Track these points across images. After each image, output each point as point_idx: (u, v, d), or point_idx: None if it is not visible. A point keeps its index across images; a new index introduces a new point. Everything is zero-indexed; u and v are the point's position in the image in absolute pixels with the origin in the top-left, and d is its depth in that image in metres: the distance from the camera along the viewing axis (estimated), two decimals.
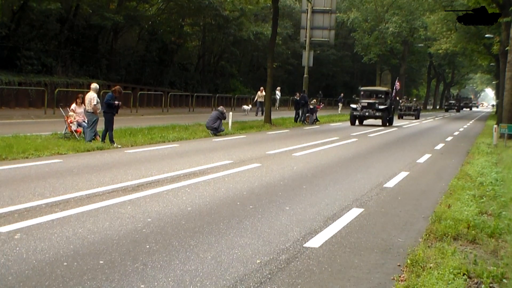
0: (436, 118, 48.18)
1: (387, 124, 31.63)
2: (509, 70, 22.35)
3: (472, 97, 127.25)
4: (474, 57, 54.11)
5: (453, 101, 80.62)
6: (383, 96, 32.10)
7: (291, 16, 53.82)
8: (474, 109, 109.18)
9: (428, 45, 57.09)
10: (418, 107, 44.77)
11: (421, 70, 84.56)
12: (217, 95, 40.70)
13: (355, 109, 31.15)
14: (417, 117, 43.24)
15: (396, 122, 36.12)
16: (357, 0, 50.91)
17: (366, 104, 30.95)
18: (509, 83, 22.41)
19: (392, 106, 32.90)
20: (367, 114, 30.90)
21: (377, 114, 30.83)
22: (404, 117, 43.30)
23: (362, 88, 34.14)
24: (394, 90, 36.51)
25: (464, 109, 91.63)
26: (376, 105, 30.85)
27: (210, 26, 44.93)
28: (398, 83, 38.50)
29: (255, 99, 35.80)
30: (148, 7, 40.10)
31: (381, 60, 53.79)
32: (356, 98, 33.04)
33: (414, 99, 49.35)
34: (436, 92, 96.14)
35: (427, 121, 41.39)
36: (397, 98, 37.08)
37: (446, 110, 77.27)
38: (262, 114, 33.20)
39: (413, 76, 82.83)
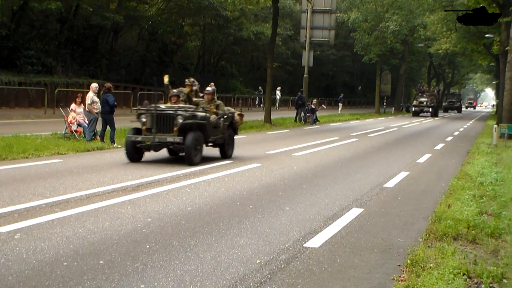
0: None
1: None
2: (509, 70, 22.35)
3: (458, 91, 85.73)
4: (474, 57, 54.05)
5: (425, 99, 50.30)
6: None
7: (291, 16, 53.78)
8: (470, 109, 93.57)
9: (428, 45, 57.02)
10: (208, 117, 12.46)
11: (421, 70, 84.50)
12: (217, 95, 40.67)
13: None
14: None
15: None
16: (357, 0, 50.91)
17: None
18: (509, 83, 22.41)
19: None
20: None
21: None
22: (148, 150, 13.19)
23: None
24: None
25: (449, 111, 67.35)
26: None
27: (210, 26, 44.90)
28: None
29: None
30: (148, 7, 40.10)
31: (381, 60, 53.73)
32: None
33: (209, 90, 13.50)
34: (440, 93, 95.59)
35: (427, 121, 41.37)
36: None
37: (416, 114, 49.88)
38: None
39: (413, 76, 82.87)
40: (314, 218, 7.42)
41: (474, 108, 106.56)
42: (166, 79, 13.65)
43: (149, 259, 5.35)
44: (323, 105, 40.77)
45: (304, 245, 6.13)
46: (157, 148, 12.09)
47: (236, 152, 14.29)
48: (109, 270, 5.00)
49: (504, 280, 5.24)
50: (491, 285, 5.13)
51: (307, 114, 30.15)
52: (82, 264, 5.13)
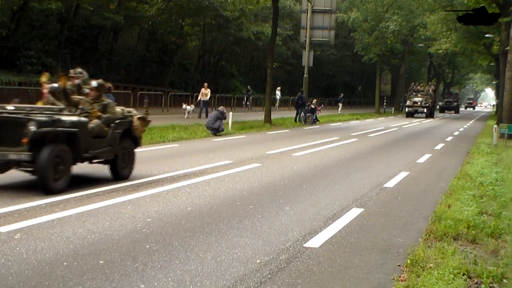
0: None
1: None
2: (509, 70, 22.35)
3: (458, 92, 78.68)
4: (474, 57, 54.05)
5: (420, 99, 46.67)
6: None
7: (291, 16, 53.78)
8: (469, 110, 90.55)
9: (428, 45, 57.00)
10: None
11: (421, 70, 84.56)
12: (217, 95, 40.69)
13: None
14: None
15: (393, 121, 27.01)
16: (357, 0, 50.93)
17: None
18: (509, 83, 22.41)
19: None
20: None
21: None
22: None
23: None
24: None
25: (446, 111, 63.05)
26: None
27: (210, 26, 44.91)
28: None
29: (199, 98, 28.99)
30: (148, 7, 40.12)
31: (381, 60, 53.71)
32: None
33: (93, 84, 9.53)
34: (436, 92, 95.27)
35: (427, 121, 41.36)
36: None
37: (410, 115, 46.07)
38: (206, 115, 26.14)
39: (413, 76, 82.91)
40: (314, 218, 7.42)
41: (474, 108, 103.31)
42: (43, 78, 9.49)
43: (149, 259, 5.35)
44: (321, 106, 40.80)
45: (304, 245, 6.13)
46: (1, 168, 8.39)
47: (236, 152, 14.26)
48: (109, 270, 5.00)
49: (504, 280, 5.24)
50: (491, 285, 5.13)
51: (307, 114, 30.16)
52: (82, 264, 5.13)
